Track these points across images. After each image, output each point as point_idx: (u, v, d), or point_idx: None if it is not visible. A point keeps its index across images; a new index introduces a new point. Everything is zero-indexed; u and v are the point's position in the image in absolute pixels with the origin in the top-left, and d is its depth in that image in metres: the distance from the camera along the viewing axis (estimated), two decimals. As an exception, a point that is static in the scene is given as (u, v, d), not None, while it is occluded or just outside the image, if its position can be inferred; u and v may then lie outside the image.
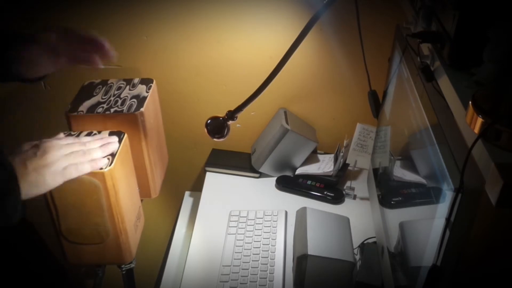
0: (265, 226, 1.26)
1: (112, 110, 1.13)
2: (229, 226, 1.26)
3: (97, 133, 1.07)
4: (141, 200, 1.21)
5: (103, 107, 1.14)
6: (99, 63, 0.98)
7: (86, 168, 0.92)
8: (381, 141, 1.20)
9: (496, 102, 0.57)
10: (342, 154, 1.39)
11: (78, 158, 0.92)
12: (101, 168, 0.96)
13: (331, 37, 1.35)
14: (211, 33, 1.36)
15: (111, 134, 1.07)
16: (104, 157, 0.97)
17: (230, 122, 1.14)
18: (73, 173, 0.90)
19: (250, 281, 1.11)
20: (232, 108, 1.13)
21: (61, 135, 0.99)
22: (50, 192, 0.97)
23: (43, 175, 0.85)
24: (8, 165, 0.81)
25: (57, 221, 1.02)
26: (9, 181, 0.80)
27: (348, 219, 1.18)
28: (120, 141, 1.04)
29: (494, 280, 0.63)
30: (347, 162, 1.37)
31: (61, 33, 0.97)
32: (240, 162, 1.49)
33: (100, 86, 1.24)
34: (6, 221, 0.80)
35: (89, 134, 1.07)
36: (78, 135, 1.07)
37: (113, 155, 1.00)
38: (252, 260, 1.16)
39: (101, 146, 0.98)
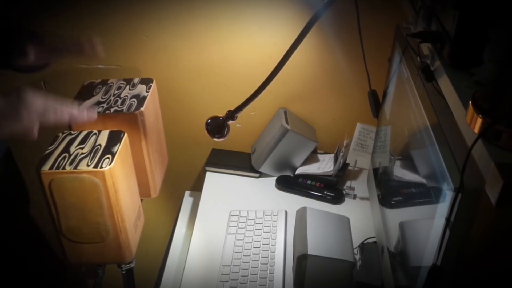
0: (265, 226, 1.26)
1: (112, 109, 1.13)
2: (229, 226, 1.26)
3: (97, 132, 1.07)
4: (141, 200, 1.21)
5: (103, 106, 1.14)
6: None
7: (64, 116, 0.91)
8: (381, 141, 1.20)
9: (496, 102, 0.57)
10: (342, 154, 1.39)
11: (57, 105, 0.90)
12: (101, 167, 0.96)
13: (331, 37, 1.35)
14: (211, 33, 1.36)
15: (111, 133, 1.07)
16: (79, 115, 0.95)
17: (230, 122, 1.14)
18: (51, 116, 0.89)
19: (250, 281, 1.11)
20: (232, 108, 1.13)
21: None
22: (51, 191, 0.98)
23: (18, 109, 0.85)
24: None
25: (57, 220, 1.02)
26: None
27: (348, 219, 1.18)
28: (120, 141, 1.05)
29: (494, 280, 0.63)
30: (347, 162, 1.37)
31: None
32: (240, 162, 1.49)
33: (100, 86, 1.24)
34: None
35: (88, 134, 1.07)
36: (77, 135, 1.07)
37: (112, 154, 1.00)
38: (252, 260, 1.16)
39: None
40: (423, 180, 0.84)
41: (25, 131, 0.86)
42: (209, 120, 1.15)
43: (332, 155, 1.45)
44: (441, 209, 0.69)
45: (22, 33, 1.00)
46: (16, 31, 1.02)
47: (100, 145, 1.03)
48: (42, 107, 0.88)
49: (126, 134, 1.08)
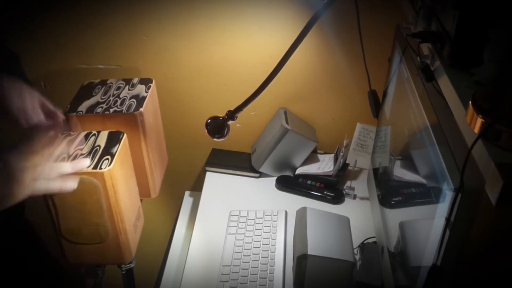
0: (265, 226, 1.26)
1: (111, 110, 1.13)
2: (229, 226, 1.26)
3: (96, 133, 1.07)
4: (141, 200, 1.21)
5: (102, 107, 1.14)
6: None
7: (55, 187, 0.84)
8: (381, 141, 1.19)
9: (496, 102, 0.57)
10: (342, 154, 1.39)
11: (47, 173, 0.83)
12: (101, 168, 0.96)
13: (331, 37, 1.35)
14: (211, 33, 1.36)
15: (110, 134, 1.07)
16: (72, 173, 0.89)
17: (230, 122, 1.14)
18: (41, 189, 0.82)
19: (250, 281, 1.11)
20: (232, 108, 1.13)
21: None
22: (50, 192, 0.97)
23: (8, 188, 0.77)
24: None
25: (56, 221, 1.02)
26: None
27: (348, 219, 1.18)
28: (119, 141, 1.04)
29: (494, 280, 0.63)
30: (347, 162, 1.37)
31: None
32: (240, 162, 1.49)
33: (100, 86, 1.24)
34: None
35: (88, 135, 1.07)
36: (77, 136, 1.07)
37: (112, 155, 1.00)
38: (252, 260, 1.16)
39: (72, 160, 0.92)
40: (423, 180, 0.84)
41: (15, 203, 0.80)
42: (209, 120, 1.15)
43: (332, 155, 1.45)
44: (441, 209, 0.69)
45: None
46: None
47: (99, 146, 1.03)
48: (32, 175, 0.80)
49: (125, 135, 1.07)
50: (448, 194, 0.67)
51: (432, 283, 0.66)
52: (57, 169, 0.85)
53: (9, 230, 1.10)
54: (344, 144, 1.39)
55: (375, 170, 1.21)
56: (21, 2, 1.31)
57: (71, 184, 0.87)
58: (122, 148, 1.04)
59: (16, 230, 1.14)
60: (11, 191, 0.77)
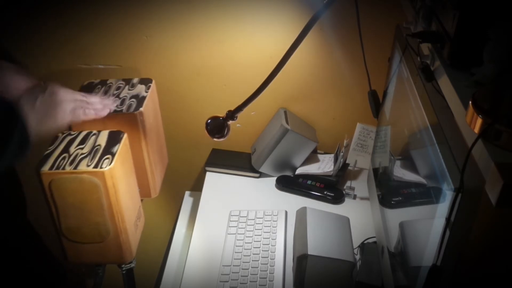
0: (265, 226, 1.26)
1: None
2: (229, 226, 1.26)
3: (96, 133, 1.07)
4: (141, 200, 1.21)
5: (103, 107, 1.14)
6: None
7: (91, 113, 1.02)
8: (381, 141, 1.20)
9: (496, 102, 0.57)
10: (342, 154, 1.39)
11: (84, 104, 1.00)
12: (101, 167, 0.96)
13: (331, 37, 1.35)
14: (211, 33, 1.36)
15: (110, 133, 1.07)
16: (102, 109, 1.06)
17: (230, 122, 1.14)
18: (80, 115, 0.99)
19: (250, 281, 1.11)
20: (232, 108, 1.13)
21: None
22: (51, 191, 0.98)
23: (53, 108, 0.92)
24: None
25: (57, 220, 1.02)
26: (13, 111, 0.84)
27: (348, 219, 1.18)
28: (119, 141, 1.05)
29: (494, 280, 0.63)
30: (347, 162, 1.37)
31: None
32: (240, 162, 1.49)
33: (100, 86, 1.24)
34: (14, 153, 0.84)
35: (88, 134, 1.07)
36: (77, 135, 1.07)
37: (112, 154, 1.00)
38: (252, 260, 1.16)
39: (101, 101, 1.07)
40: (423, 180, 0.84)
41: (59, 129, 0.96)
42: (209, 120, 1.15)
43: (332, 155, 1.45)
44: (441, 209, 0.69)
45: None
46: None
47: (100, 145, 1.03)
48: (73, 105, 0.97)
49: (125, 134, 1.08)
50: (448, 194, 0.67)
51: (432, 283, 0.66)
52: (92, 104, 1.04)
53: (12, 230, 1.10)
54: (344, 144, 1.39)
55: (375, 170, 1.21)
56: (21, 2, 1.31)
57: (103, 113, 1.06)
58: (122, 148, 1.04)
59: (18, 230, 1.14)
60: (55, 115, 0.93)
